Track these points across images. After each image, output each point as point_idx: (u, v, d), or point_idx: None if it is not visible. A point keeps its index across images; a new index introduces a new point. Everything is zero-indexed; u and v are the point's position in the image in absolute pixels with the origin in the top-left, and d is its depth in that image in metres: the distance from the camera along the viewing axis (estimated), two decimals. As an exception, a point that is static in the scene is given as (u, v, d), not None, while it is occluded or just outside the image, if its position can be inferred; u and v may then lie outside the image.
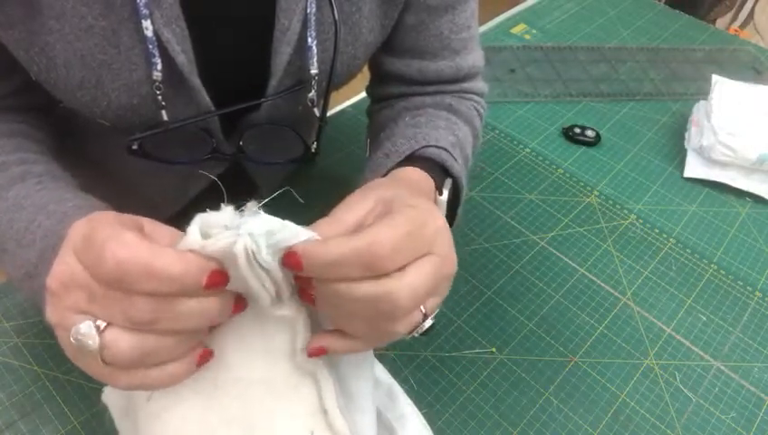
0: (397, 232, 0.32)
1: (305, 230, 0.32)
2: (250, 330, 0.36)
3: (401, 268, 0.32)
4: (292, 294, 0.35)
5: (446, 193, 0.47)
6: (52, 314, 0.32)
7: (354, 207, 0.37)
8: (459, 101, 0.59)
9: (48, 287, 0.32)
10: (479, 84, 0.62)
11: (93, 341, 0.30)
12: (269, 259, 0.31)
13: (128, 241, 0.29)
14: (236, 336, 0.36)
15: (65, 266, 0.31)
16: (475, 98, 0.61)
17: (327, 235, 0.34)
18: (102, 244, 0.29)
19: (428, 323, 0.36)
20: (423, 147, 0.49)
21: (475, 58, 0.59)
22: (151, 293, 0.29)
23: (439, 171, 0.49)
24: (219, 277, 0.31)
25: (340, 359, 0.40)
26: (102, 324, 0.30)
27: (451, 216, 0.51)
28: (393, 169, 0.48)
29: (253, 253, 0.31)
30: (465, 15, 0.56)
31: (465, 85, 0.60)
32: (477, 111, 0.60)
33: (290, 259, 0.32)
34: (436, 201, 0.46)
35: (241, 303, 0.34)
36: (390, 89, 0.60)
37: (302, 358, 0.37)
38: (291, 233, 0.32)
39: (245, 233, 0.31)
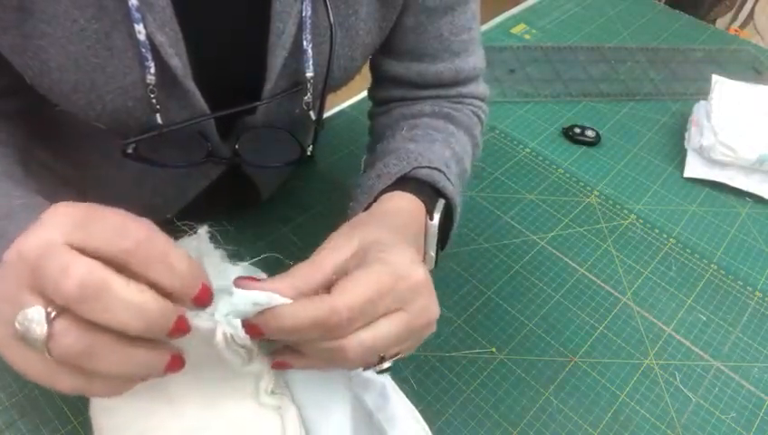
0: (358, 298, 0.33)
1: (278, 297, 0.33)
2: (214, 374, 0.36)
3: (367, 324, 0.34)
4: (259, 350, 0.36)
5: (437, 217, 0.46)
6: (0, 287, 0.30)
7: (336, 252, 0.37)
8: (459, 107, 0.58)
9: (4, 257, 0.29)
10: (480, 88, 0.61)
11: (41, 329, 0.28)
12: (245, 337, 0.33)
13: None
14: (201, 380, 0.36)
15: (36, 240, 0.29)
16: (476, 102, 0.60)
17: (304, 282, 0.35)
18: (125, 216, 0.29)
19: (386, 365, 0.36)
20: (414, 168, 0.49)
21: (475, 60, 0.58)
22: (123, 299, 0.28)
23: (432, 192, 0.48)
24: (184, 327, 0.30)
25: (307, 389, 0.40)
26: (53, 313, 0.28)
27: (444, 236, 0.51)
28: (385, 191, 0.48)
29: (231, 336, 0.32)
30: (466, 17, 0.55)
31: (464, 90, 0.59)
32: (478, 116, 0.60)
33: (251, 330, 0.33)
34: (426, 226, 0.46)
35: (177, 362, 0.32)
36: (390, 92, 0.60)
37: (266, 398, 0.38)
38: (266, 301, 0.33)
39: (222, 318, 0.32)
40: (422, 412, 0.43)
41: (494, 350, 0.59)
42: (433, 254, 0.47)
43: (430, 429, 0.43)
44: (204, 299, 0.31)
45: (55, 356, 0.28)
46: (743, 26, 2.17)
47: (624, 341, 0.61)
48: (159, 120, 0.45)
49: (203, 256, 0.36)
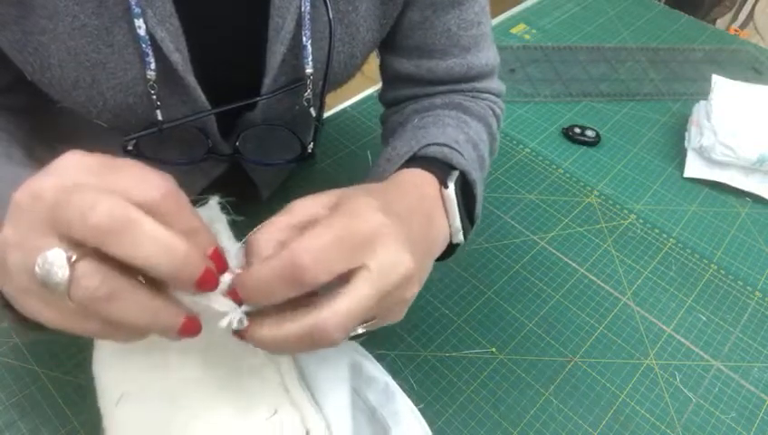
0: (319, 241, 0.31)
1: None
2: (213, 334, 0.36)
3: (333, 293, 0.32)
4: None
5: (451, 186, 0.43)
6: (12, 232, 0.28)
7: (308, 200, 0.36)
8: (472, 100, 0.57)
9: (15, 199, 0.28)
10: (494, 84, 0.60)
11: (63, 272, 0.27)
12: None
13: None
14: (198, 342, 0.36)
15: (51, 181, 0.28)
16: (491, 98, 0.59)
17: (276, 226, 0.34)
18: (144, 167, 0.28)
19: (359, 330, 0.34)
20: (423, 146, 0.47)
21: (487, 56, 0.57)
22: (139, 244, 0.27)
23: (445, 168, 0.46)
24: (212, 278, 0.30)
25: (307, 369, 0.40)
26: (74, 256, 0.27)
27: (468, 214, 0.48)
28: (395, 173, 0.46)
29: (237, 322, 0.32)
30: (474, 11, 0.54)
31: (479, 85, 0.58)
32: (493, 111, 0.59)
33: (232, 295, 0.32)
34: (442, 195, 0.43)
35: (194, 325, 0.31)
36: (402, 91, 0.59)
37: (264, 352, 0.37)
38: None
39: (239, 310, 0.32)
40: (422, 412, 0.43)
41: (494, 350, 0.59)
42: (458, 225, 0.44)
43: (430, 429, 0.43)
44: (218, 263, 0.31)
45: (76, 301, 0.28)
46: (743, 26, 2.17)
47: (624, 341, 0.61)
48: (160, 117, 0.45)
49: (214, 222, 0.36)
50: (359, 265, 0.32)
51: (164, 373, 0.37)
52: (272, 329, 0.32)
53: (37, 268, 0.27)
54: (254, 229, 0.35)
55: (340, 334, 0.32)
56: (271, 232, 0.34)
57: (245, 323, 0.33)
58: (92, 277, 0.27)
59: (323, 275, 0.31)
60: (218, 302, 0.32)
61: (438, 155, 0.46)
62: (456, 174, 0.45)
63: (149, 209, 0.28)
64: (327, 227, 0.32)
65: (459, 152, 0.47)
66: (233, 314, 0.32)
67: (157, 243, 0.27)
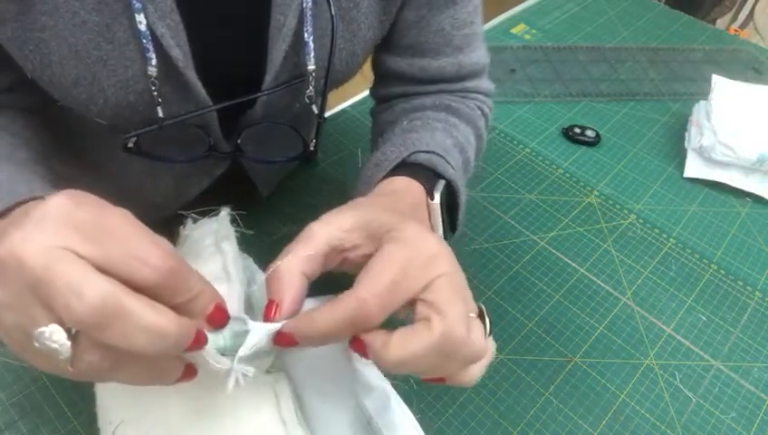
0: (381, 285, 0.32)
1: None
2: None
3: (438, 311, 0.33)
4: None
5: (437, 197, 0.45)
6: (2, 292, 0.27)
7: (325, 224, 0.36)
8: (461, 100, 0.58)
9: (0, 255, 0.26)
10: (484, 83, 0.61)
11: (64, 350, 0.26)
12: (254, 373, 0.33)
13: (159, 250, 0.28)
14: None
15: (36, 246, 0.25)
16: (480, 97, 0.60)
17: (298, 257, 0.35)
18: (140, 234, 0.27)
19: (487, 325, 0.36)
20: (412, 153, 0.48)
21: (478, 56, 0.58)
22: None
23: (431, 176, 0.48)
24: (200, 343, 0.30)
25: (307, 370, 0.40)
26: (74, 329, 0.26)
27: (451, 220, 0.50)
28: (384, 178, 0.47)
29: (242, 377, 0.33)
30: (467, 10, 0.55)
31: (469, 84, 0.59)
32: (482, 110, 0.59)
33: (282, 339, 0.33)
34: (428, 206, 0.45)
35: (190, 372, 0.32)
36: (393, 89, 0.60)
37: (261, 377, 0.37)
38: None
39: (237, 365, 0.32)
40: (422, 412, 0.43)
41: (494, 350, 0.59)
42: (440, 234, 0.46)
43: (430, 428, 0.43)
44: (218, 320, 0.31)
45: (78, 370, 0.28)
46: (743, 26, 2.17)
47: (624, 341, 0.61)
48: (161, 114, 0.44)
49: (222, 240, 0.36)
50: (421, 288, 0.33)
51: (162, 403, 0.37)
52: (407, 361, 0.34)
53: (36, 343, 0.26)
54: (273, 262, 0.35)
55: (478, 340, 0.35)
56: (293, 263, 0.34)
57: (251, 374, 0.33)
58: (94, 352, 0.27)
59: (383, 315, 0.32)
60: (215, 359, 0.32)
61: (426, 163, 0.48)
62: (442, 184, 0.47)
63: (146, 290, 0.27)
64: (385, 268, 0.33)
65: (446, 160, 0.48)
66: (236, 369, 0.32)
67: (148, 333, 0.26)
